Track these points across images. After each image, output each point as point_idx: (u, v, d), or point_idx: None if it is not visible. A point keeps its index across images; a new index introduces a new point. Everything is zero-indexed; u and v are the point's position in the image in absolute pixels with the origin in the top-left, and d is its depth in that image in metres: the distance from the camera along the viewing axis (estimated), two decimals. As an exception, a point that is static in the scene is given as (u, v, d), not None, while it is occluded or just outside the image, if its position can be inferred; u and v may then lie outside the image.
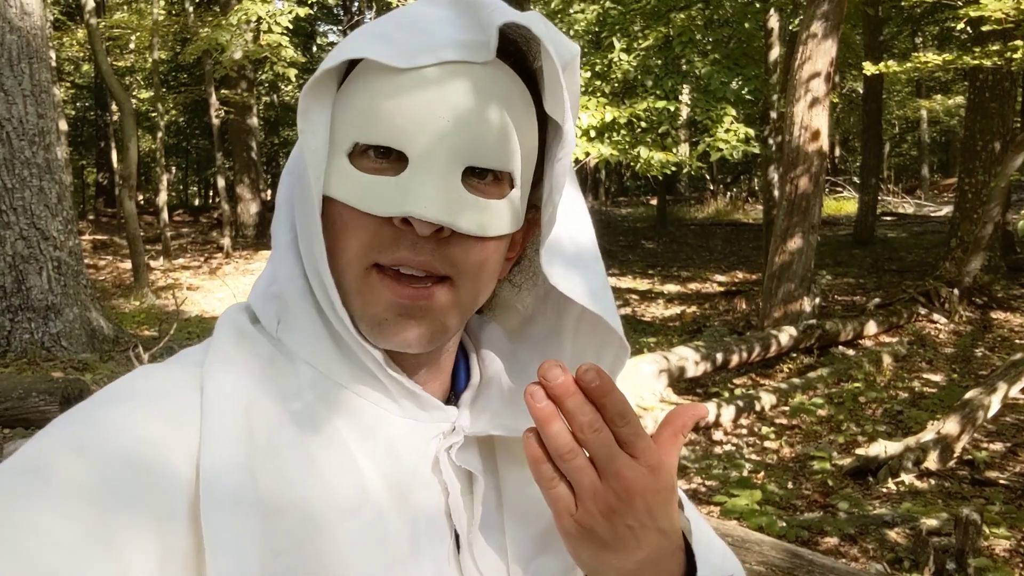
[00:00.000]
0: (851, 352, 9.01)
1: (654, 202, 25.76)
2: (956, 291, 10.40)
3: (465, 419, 0.82)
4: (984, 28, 9.45)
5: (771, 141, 13.53)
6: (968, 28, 10.02)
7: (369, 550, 0.71)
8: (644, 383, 7.21)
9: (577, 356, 0.84)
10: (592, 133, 11.03)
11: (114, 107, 20.57)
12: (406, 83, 0.72)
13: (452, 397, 0.86)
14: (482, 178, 0.75)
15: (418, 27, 0.74)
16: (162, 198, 17.62)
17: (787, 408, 7.27)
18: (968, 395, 6.33)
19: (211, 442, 0.69)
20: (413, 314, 0.74)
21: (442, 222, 0.71)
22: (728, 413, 6.92)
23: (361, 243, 0.74)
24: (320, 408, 0.75)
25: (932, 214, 21.59)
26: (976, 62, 9.50)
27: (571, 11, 14.69)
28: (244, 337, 0.78)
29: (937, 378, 8.16)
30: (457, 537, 0.79)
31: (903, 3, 13.20)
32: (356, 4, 25.52)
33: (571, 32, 13.68)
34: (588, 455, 0.68)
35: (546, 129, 0.81)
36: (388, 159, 0.73)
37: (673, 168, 12.23)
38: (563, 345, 0.86)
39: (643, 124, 11.85)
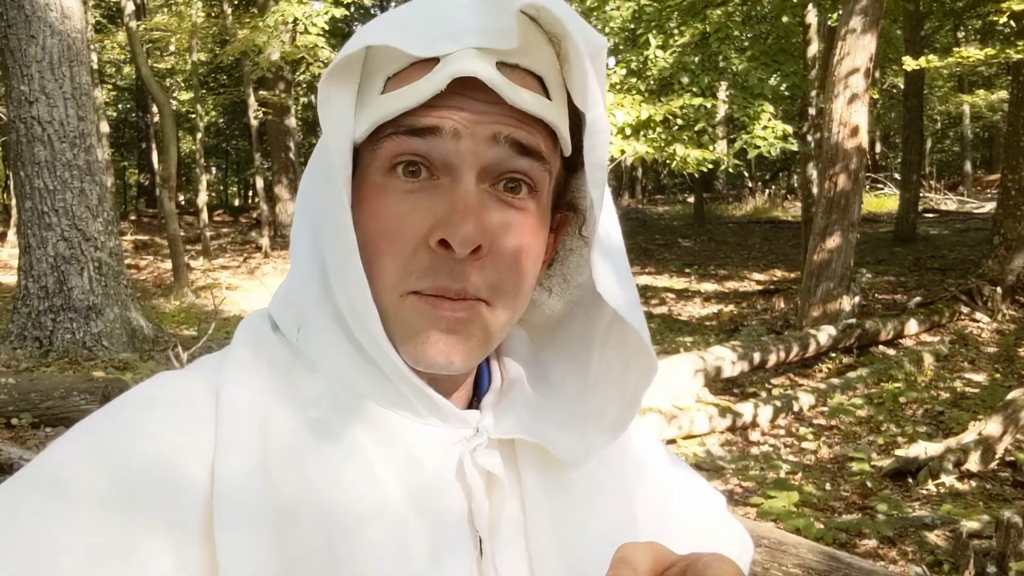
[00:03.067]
0: (891, 352, 8.89)
1: (691, 200, 25.62)
2: (999, 289, 10.23)
3: (489, 420, 0.80)
4: (1028, 21, 9.30)
5: (810, 138, 13.40)
6: (1011, 22, 9.84)
7: (388, 558, 0.70)
8: (680, 383, 7.17)
9: (604, 368, 0.83)
10: (628, 131, 10.98)
11: (154, 109, 20.84)
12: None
13: (474, 401, 0.84)
14: (516, 192, 0.74)
15: (439, 14, 0.73)
16: (202, 198, 17.83)
17: (826, 408, 7.18)
18: (1011, 395, 6.22)
19: (226, 451, 0.68)
20: (456, 330, 0.73)
21: (481, 242, 0.70)
22: (765, 413, 6.85)
23: (397, 268, 0.72)
24: (338, 417, 0.74)
25: (975, 211, 21.27)
26: (1020, 56, 9.33)
27: (606, 8, 14.63)
28: (262, 345, 0.77)
29: (979, 378, 8.03)
30: (481, 542, 0.77)
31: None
32: (393, 3, 25.62)
33: (606, 29, 13.62)
34: None
35: (579, 122, 0.78)
36: (418, 178, 0.72)
37: (710, 166, 12.15)
38: (591, 355, 0.84)
39: (679, 121, 11.77)
